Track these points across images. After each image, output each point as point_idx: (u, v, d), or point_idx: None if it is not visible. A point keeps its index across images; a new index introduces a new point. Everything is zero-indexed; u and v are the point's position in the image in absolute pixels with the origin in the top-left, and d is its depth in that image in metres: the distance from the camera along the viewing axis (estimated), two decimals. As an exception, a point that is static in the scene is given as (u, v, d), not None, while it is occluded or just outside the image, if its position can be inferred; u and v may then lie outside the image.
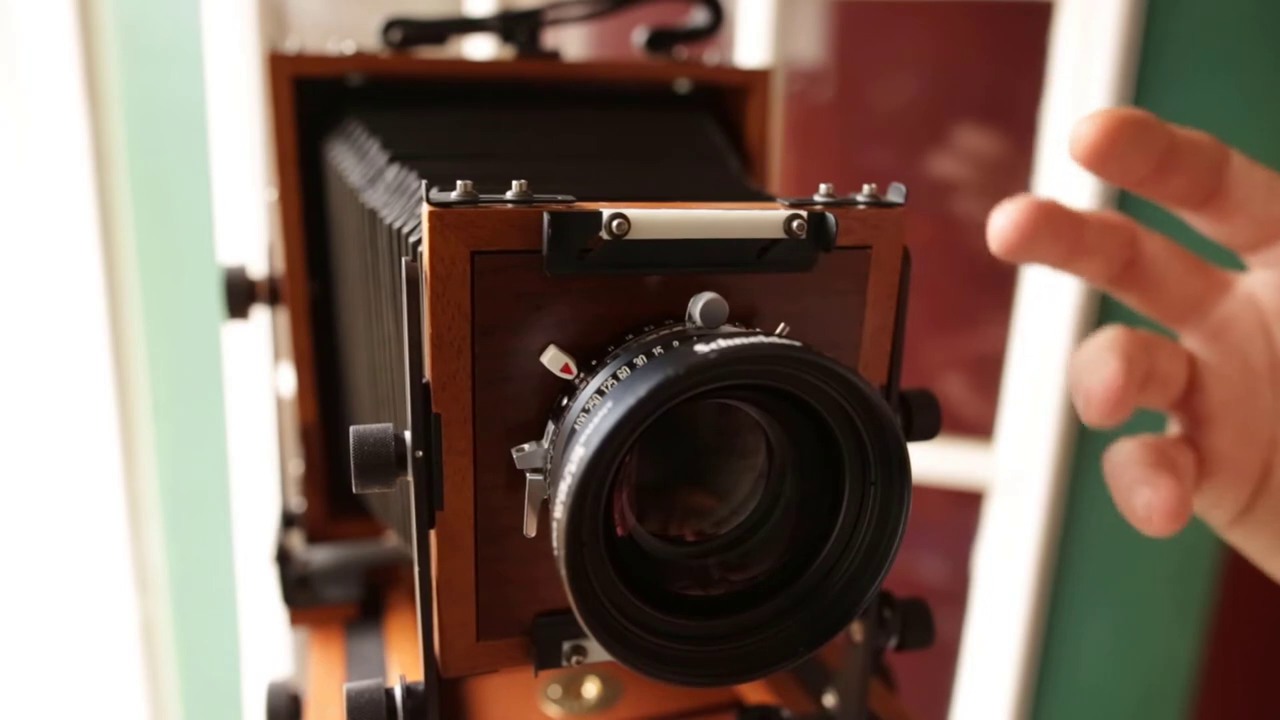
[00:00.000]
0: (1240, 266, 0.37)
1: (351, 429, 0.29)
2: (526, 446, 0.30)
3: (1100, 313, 0.99)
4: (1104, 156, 0.32)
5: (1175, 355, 0.35)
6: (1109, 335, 0.34)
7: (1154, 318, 0.37)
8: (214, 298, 1.12)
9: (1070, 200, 0.35)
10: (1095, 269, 0.36)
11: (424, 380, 0.29)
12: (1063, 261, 0.35)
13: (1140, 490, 0.32)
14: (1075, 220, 0.34)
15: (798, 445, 0.30)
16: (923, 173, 1.05)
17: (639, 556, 0.30)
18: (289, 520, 0.54)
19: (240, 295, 0.51)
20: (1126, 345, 0.33)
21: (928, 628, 0.37)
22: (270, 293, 0.52)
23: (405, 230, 0.36)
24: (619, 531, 0.30)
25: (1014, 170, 1.02)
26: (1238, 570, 1.04)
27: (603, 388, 0.28)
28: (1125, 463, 0.34)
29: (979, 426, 1.07)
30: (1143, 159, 0.33)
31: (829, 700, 0.40)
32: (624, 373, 0.27)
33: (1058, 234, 0.34)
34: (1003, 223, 0.34)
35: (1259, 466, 0.35)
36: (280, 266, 0.50)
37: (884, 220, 0.32)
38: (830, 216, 0.30)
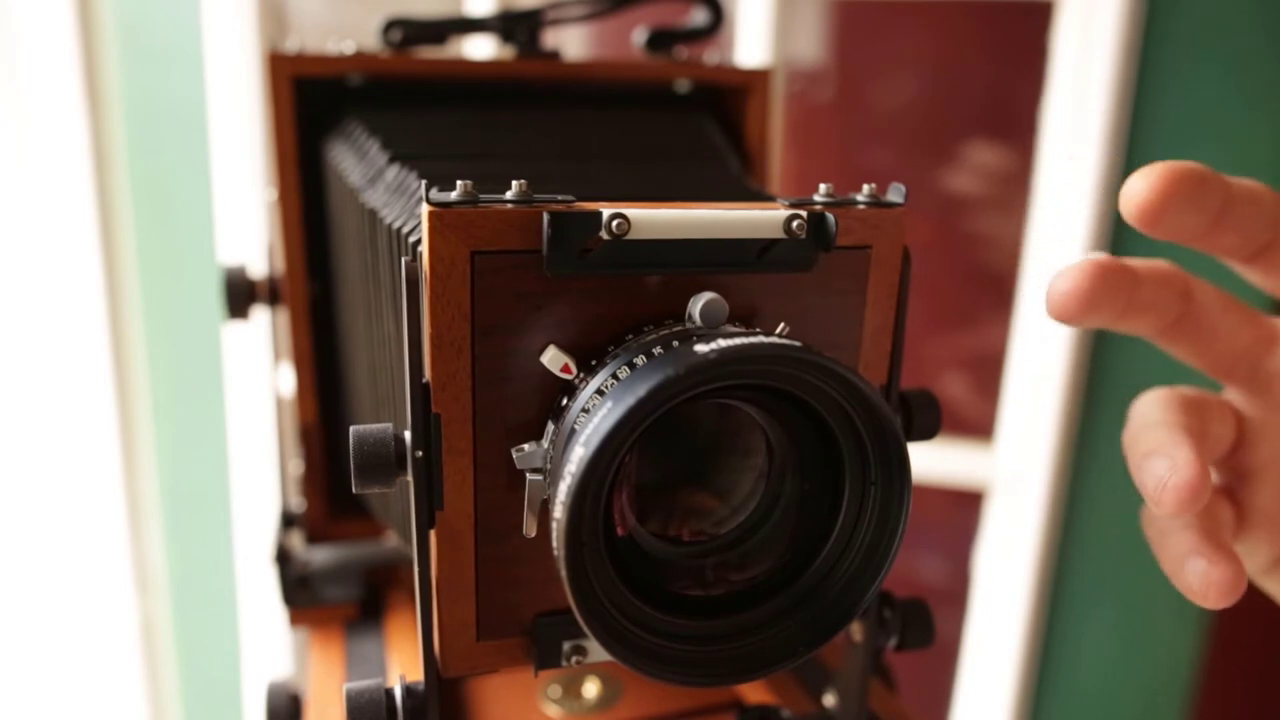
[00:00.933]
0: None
1: (351, 429, 0.29)
2: (526, 446, 0.30)
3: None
4: (1158, 216, 0.30)
5: (1224, 414, 0.34)
6: (1161, 409, 0.32)
7: (1200, 369, 0.35)
8: (214, 298, 1.12)
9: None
10: (1147, 324, 0.34)
11: (424, 380, 0.29)
12: (1116, 320, 0.33)
13: (1194, 562, 0.31)
14: (1131, 278, 0.32)
15: (798, 445, 0.30)
16: (923, 173, 1.05)
17: (639, 556, 0.30)
18: (289, 520, 0.54)
19: (240, 295, 0.51)
20: (1187, 420, 0.31)
21: (928, 628, 0.37)
22: (270, 293, 0.52)
23: (405, 230, 0.36)
24: (619, 531, 0.30)
25: (1014, 171, 1.02)
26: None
27: (602, 388, 0.28)
28: (1172, 529, 0.32)
29: (979, 426, 1.07)
30: (1198, 217, 0.31)
31: (829, 700, 0.40)
32: (624, 373, 0.27)
33: (1115, 295, 0.32)
34: (1063, 288, 0.31)
35: None
36: (280, 266, 0.50)
37: (884, 220, 0.32)
38: (830, 216, 0.30)
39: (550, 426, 0.29)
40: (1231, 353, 0.35)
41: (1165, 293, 0.33)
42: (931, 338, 1.10)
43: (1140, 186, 0.30)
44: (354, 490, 0.29)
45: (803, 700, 0.43)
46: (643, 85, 0.51)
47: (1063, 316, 0.32)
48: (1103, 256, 0.32)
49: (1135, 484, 0.31)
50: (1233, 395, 0.35)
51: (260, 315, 0.52)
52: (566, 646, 0.32)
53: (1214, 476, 0.35)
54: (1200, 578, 0.30)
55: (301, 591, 0.50)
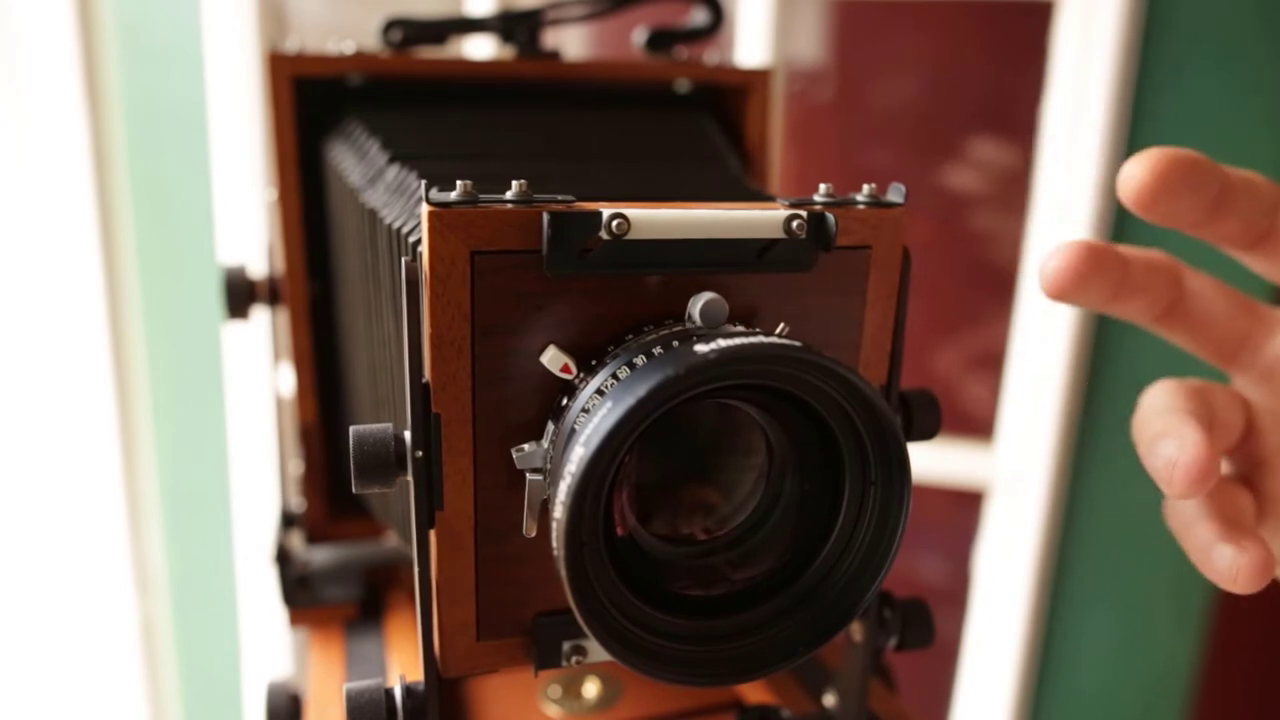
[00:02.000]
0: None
1: (351, 429, 0.29)
2: (526, 446, 0.30)
3: (1100, 313, 0.99)
4: (1153, 200, 0.31)
5: (1231, 401, 0.34)
6: (1169, 397, 0.33)
7: (1202, 357, 0.36)
8: (214, 298, 1.12)
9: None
10: (1140, 308, 0.35)
11: (424, 380, 0.29)
12: (1107, 302, 0.34)
13: (1221, 549, 0.31)
14: (1121, 260, 0.33)
15: (798, 445, 0.30)
16: (923, 173, 1.05)
17: (639, 556, 0.30)
18: (289, 520, 0.54)
19: (240, 295, 0.51)
20: (1191, 404, 0.32)
21: (928, 628, 0.37)
22: (270, 293, 0.52)
23: (405, 230, 0.36)
24: (619, 531, 0.30)
25: (1014, 171, 1.01)
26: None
27: (602, 388, 0.28)
28: (1196, 518, 0.32)
29: (979, 426, 1.07)
30: (1195, 202, 0.31)
31: (829, 700, 0.40)
32: (624, 373, 0.27)
33: (1105, 275, 0.33)
34: (1055, 265, 0.32)
35: None
36: (280, 266, 0.50)
37: (884, 220, 0.32)
38: (830, 216, 0.30)
39: (550, 426, 0.29)
40: (1231, 340, 0.35)
41: (1156, 277, 0.34)
42: (932, 337, 1.10)
43: (1137, 171, 0.31)
44: (354, 490, 0.29)
45: (803, 700, 0.43)
46: (643, 85, 0.51)
47: (1055, 293, 0.33)
48: (1093, 239, 0.33)
49: (1147, 469, 0.31)
50: (1239, 384, 0.36)
51: (260, 315, 0.52)
52: (566, 646, 0.32)
53: (1228, 466, 0.36)
54: (1229, 563, 0.31)
55: (301, 591, 0.50)
